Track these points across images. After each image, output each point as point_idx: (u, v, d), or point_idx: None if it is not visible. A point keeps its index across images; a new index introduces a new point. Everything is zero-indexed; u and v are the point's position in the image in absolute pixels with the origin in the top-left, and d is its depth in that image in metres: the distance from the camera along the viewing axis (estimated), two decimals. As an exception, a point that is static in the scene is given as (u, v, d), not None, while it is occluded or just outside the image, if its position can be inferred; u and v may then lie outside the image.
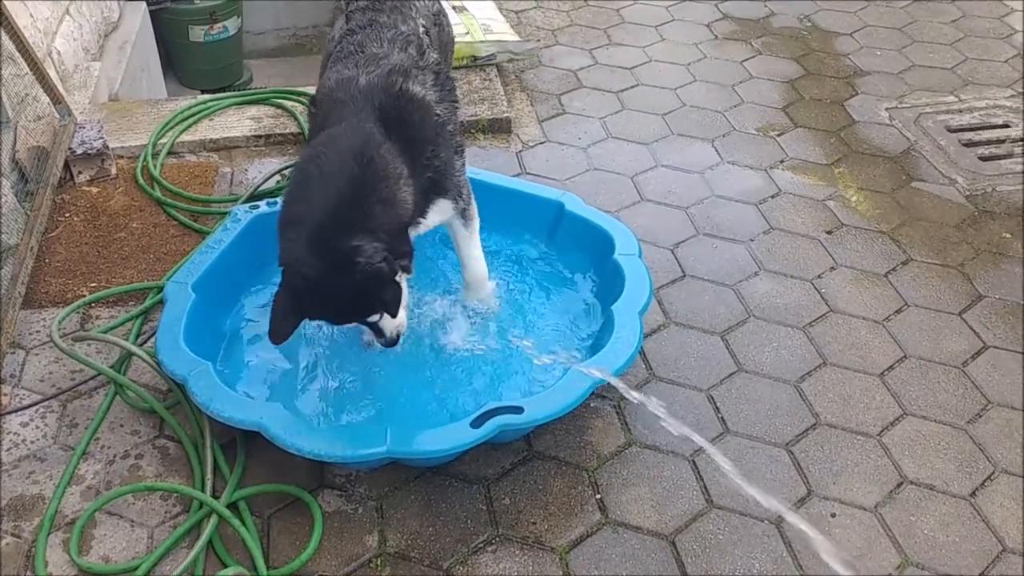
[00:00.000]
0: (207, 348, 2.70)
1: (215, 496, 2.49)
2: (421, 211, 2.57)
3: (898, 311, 3.28)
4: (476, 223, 2.85)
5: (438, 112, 2.62)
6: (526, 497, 2.58)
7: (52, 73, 3.86)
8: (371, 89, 2.49)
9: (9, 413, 2.74)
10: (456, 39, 3.72)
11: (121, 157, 3.87)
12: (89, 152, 3.69)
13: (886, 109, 4.48)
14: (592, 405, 2.82)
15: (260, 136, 4.02)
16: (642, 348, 2.93)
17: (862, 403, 2.92)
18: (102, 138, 3.73)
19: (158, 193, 3.65)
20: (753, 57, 4.92)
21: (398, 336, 2.55)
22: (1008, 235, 3.66)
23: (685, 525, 2.52)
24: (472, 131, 4.09)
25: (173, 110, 4.13)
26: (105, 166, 3.74)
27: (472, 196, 2.83)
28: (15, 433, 2.70)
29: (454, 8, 4.68)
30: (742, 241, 3.57)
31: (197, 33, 6.04)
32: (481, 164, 3.74)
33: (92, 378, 2.84)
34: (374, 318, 2.44)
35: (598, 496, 2.59)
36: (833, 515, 2.57)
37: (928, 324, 3.23)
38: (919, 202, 3.84)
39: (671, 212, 3.72)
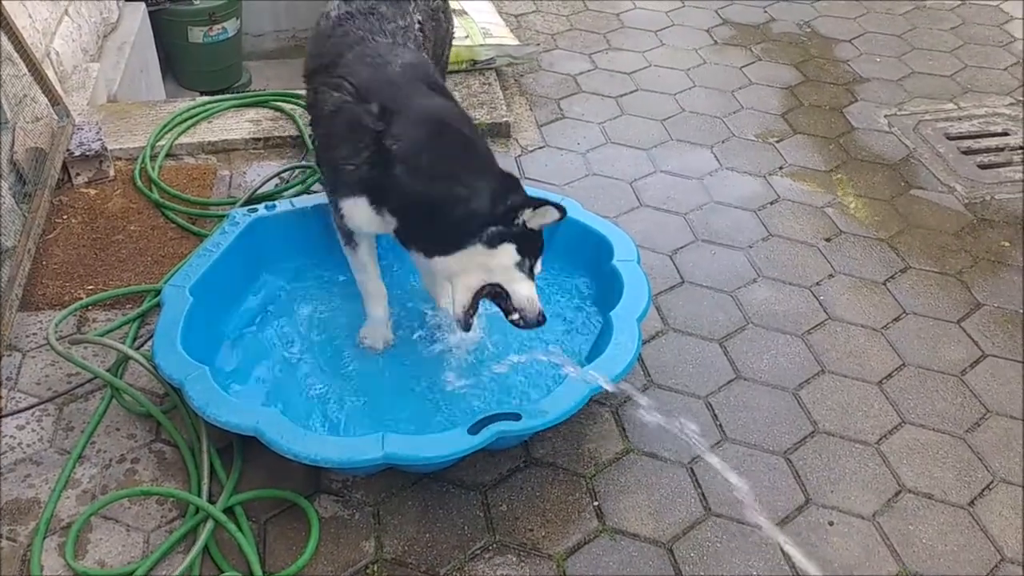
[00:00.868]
0: (204, 352, 2.68)
1: (211, 501, 2.48)
2: None
3: (896, 319, 3.28)
4: None
5: None
6: (523, 504, 2.57)
7: (51, 74, 3.85)
8: (414, 73, 2.62)
9: (5, 416, 2.73)
10: (455, 43, 3.72)
11: (119, 159, 3.86)
12: (87, 154, 3.68)
13: (885, 116, 4.48)
14: (590, 412, 2.81)
15: (259, 139, 4.01)
16: (640, 355, 2.92)
17: (860, 411, 2.91)
18: (100, 140, 3.72)
19: (156, 195, 3.64)
20: (753, 63, 4.92)
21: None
22: (1007, 243, 3.66)
23: (683, 532, 2.51)
24: (471, 135, 4.08)
25: (172, 112, 4.12)
26: (103, 168, 3.73)
27: None
28: (11, 436, 2.69)
29: (453, 12, 4.67)
30: (741, 248, 3.57)
31: (196, 34, 6.02)
32: (480, 168, 3.72)
33: (88, 381, 2.83)
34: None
35: (596, 503, 2.59)
36: (831, 523, 2.56)
37: (927, 332, 3.22)
38: (918, 210, 3.84)
39: (670, 218, 3.72)
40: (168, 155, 3.91)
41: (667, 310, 3.25)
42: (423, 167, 2.45)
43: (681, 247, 3.55)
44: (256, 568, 2.33)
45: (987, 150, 4.23)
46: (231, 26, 6.18)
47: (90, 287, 3.21)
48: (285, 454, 2.35)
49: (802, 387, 2.98)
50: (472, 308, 2.51)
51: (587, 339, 2.97)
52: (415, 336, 2.98)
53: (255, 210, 3.15)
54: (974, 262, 3.56)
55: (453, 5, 4.73)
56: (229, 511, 2.47)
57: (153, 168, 3.77)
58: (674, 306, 3.27)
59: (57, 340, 2.73)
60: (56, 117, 3.77)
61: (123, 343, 2.88)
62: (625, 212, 3.72)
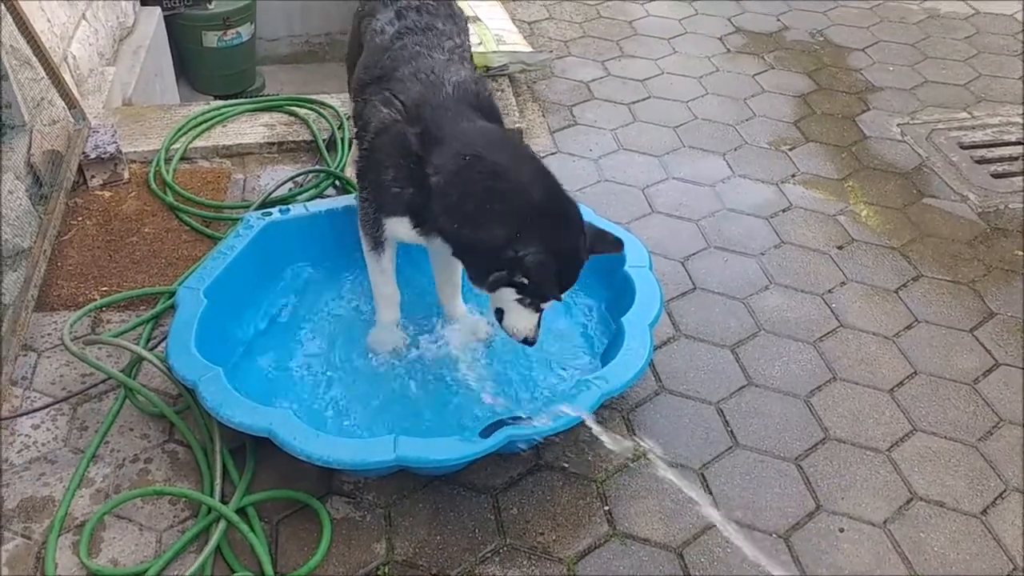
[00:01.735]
0: (218, 353, 2.70)
1: (224, 501, 2.49)
2: None
3: (908, 327, 3.27)
4: None
5: None
6: (534, 507, 2.57)
7: (67, 77, 3.88)
8: (464, 94, 2.62)
9: (20, 415, 2.75)
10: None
11: (134, 162, 3.89)
12: (103, 156, 3.70)
13: (898, 125, 4.48)
14: (601, 417, 2.81)
15: (273, 143, 4.04)
16: (652, 360, 2.92)
17: (872, 418, 2.91)
18: (115, 143, 3.75)
19: (170, 198, 3.67)
20: (765, 71, 4.93)
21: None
22: (1020, 252, 3.65)
23: (693, 538, 2.51)
24: (484, 141, 4.10)
25: (186, 116, 4.15)
26: (118, 171, 3.76)
27: None
28: (26, 435, 2.71)
29: (468, 19, 4.69)
30: (753, 255, 3.57)
31: (211, 39, 6.06)
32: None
33: (102, 382, 2.85)
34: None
35: (606, 507, 2.59)
36: (841, 530, 2.56)
37: (939, 340, 3.22)
38: (930, 218, 3.83)
39: (682, 224, 3.72)
40: (182, 158, 3.93)
41: (679, 316, 3.25)
42: (453, 205, 2.45)
43: (693, 254, 3.56)
44: (268, 568, 2.34)
45: (1001, 159, 4.22)
46: (245, 31, 6.22)
47: (104, 288, 3.24)
48: (298, 455, 2.36)
49: (813, 394, 2.98)
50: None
51: (599, 345, 2.97)
52: (423, 339, 2.98)
53: (269, 214, 3.17)
54: (987, 271, 3.55)
55: (467, 12, 4.76)
56: (241, 511, 2.49)
57: (167, 171, 3.80)
58: (686, 312, 3.27)
59: (72, 341, 2.75)
60: (72, 120, 3.80)
61: (137, 344, 2.90)
62: (637, 218, 3.73)
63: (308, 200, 3.54)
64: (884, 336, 3.23)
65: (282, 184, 3.73)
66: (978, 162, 4.19)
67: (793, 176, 4.07)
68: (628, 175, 4.02)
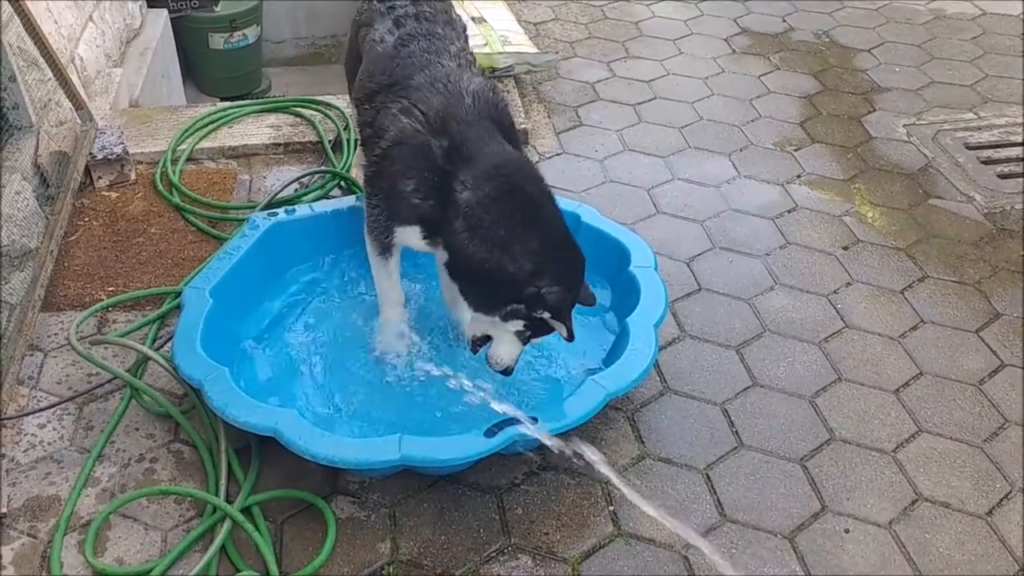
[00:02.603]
0: (223, 353, 2.70)
1: (229, 501, 2.50)
2: None
3: (914, 328, 3.27)
4: None
5: None
6: (539, 507, 2.57)
7: (75, 79, 3.90)
8: (485, 108, 2.62)
9: (27, 415, 2.76)
10: (475, 50, 3.73)
11: (141, 163, 3.90)
12: (109, 157, 3.72)
13: (904, 125, 4.47)
14: (606, 417, 2.81)
15: (279, 144, 4.05)
16: (657, 361, 2.92)
17: (877, 419, 2.90)
18: (122, 144, 3.76)
19: (177, 199, 3.68)
20: (771, 72, 4.93)
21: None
22: (1026, 253, 3.65)
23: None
24: (489, 142, 4.10)
25: (192, 117, 4.17)
26: (125, 171, 3.77)
27: None
28: (32, 435, 2.72)
29: (473, 20, 4.70)
30: (758, 255, 3.57)
31: (217, 41, 6.08)
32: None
33: (108, 381, 2.86)
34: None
35: (611, 507, 2.59)
36: (847, 531, 2.56)
37: (944, 341, 3.21)
38: (936, 219, 3.83)
39: (687, 225, 3.72)
40: (189, 159, 3.94)
41: (684, 317, 3.25)
42: (483, 228, 2.45)
43: (698, 254, 3.56)
44: (273, 568, 2.34)
45: (1007, 160, 4.21)
46: (251, 33, 6.23)
47: (111, 289, 3.25)
48: (303, 455, 2.37)
49: (819, 395, 2.98)
50: (478, 344, 2.67)
51: (604, 345, 2.97)
52: (428, 340, 2.98)
53: (275, 214, 3.18)
54: (993, 272, 3.54)
55: (473, 13, 4.77)
56: (246, 511, 2.49)
57: (174, 172, 3.81)
58: (691, 313, 3.27)
59: (78, 340, 2.76)
60: (79, 121, 3.82)
61: (143, 344, 2.91)
62: (642, 219, 3.73)
63: (314, 201, 3.55)
64: (890, 337, 3.22)
65: (288, 185, 3.74)
66: (984, 163, 4.18)
67: (798, 177, 4.07)
68: (633, 176, 4.02)
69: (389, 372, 2.89)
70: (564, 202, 3.34)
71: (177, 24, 5.74)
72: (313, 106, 4.26)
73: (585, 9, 5.56)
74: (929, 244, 3.68)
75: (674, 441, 2.78)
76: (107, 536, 2.45)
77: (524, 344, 2.60)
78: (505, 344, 2.58)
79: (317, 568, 2.38)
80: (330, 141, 4.03)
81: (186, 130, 4.05)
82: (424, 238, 2.62)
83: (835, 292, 3.41)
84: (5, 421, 2.70)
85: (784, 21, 5.50)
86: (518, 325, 2.52)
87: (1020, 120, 4.51)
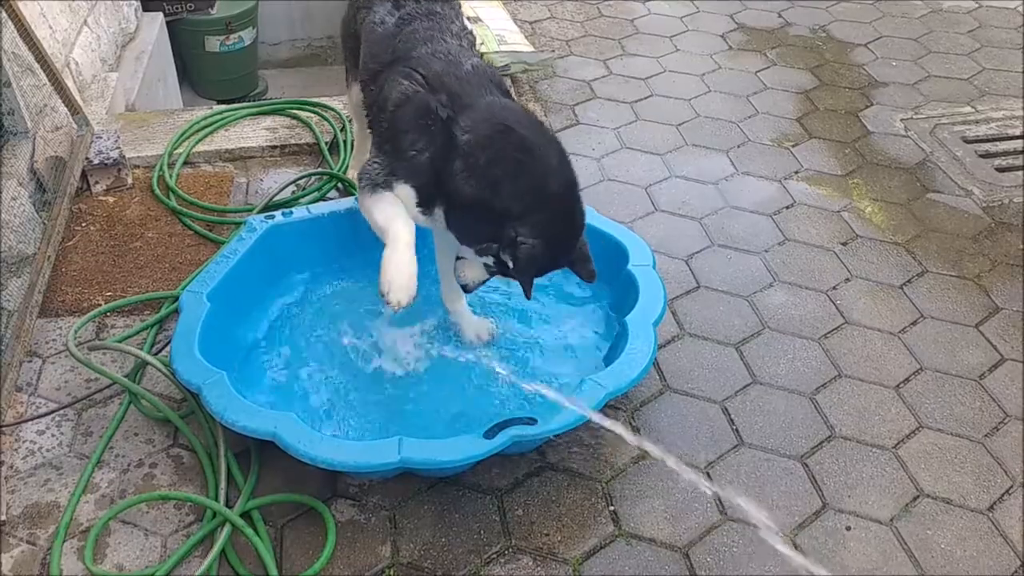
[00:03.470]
0: (222, 357, 2.70)
1: (228, 505, 2.49)
2: None
3: (914, 323, 3.26)
4: None
5: None
6: (539, 508, 2.57)
7: (70, 83, 3.89)
8: (484, 74, 2.64)
9: (26, 421, 2.75)
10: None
11: (137, 167, 3.89)
12: (106, 162, 3.71)
13: (901, 120, 4.47)
14: (606, 416, 2.80)
15: (275, 146, 4.04)
16: (656, 359, 2.92)
17: (878, 415, 2.90)
18: (119, 148, 3.75)
19: (174, 203, 3.67)
20: (768, 68, 4.92)
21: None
22: (1025, 247, 3.64)
23: (699, 537, 2.51)
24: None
25: (189, 120, 4.16)
26: (121, 176, 3.77)
27: None
28: (31, 441, 2.72)
29: (468, 19, 4.69)
30: (757, 252, 3.57)
31: (213, 44, 6.08)
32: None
33: (107, 387, 2.85)
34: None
35: (611, 508, 2.58)
36: (848, 528, 2.55)
37: (944, 336, 3.20)
38: (935, 213, 3.82)
39: (685, 223, 3.71)
40: (185, 163, 3.93)
41: (683, 315, 3.24)
42: (479, 166, 2.42)
43: (697, 252, 3.55)
44: (273, 572, 2.34)
45: (1005, 153, 4.21)
46: (247, 35, 6.23)
47: (108, 294, 3.24)
48: (302, 458, 2.36)
49: (819, 391, 2.97)
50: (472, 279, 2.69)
51: (602, 344, 2.97)
52: (430, 341, 2.98)
53: (272, 217, 3.17)
54: (992, 266, 3.54)
55: (468, 12, 4.76)
56: (246, 515, 2.48)
57: (171, 175, 3.80)
58: (690, 311, 3.27)
59: (76, 346, 2.76)
60: (75, 126, 3.81)
61: (141, 349, 2.91)
62: (640, 217, 3.72)
63: (311, 203, 3.54)
64: (889, 332, 3.21)
65: (285, 187, 3.73)
66: (982, 156, 4.18)
67: (796, 173, 4.06)
68: (631, 174, 4.01)
69: (393, 367, 2.88)
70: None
71: (173, 27, 5.73)
72: (309, 108, 4.25)
73: (581, 7, 5.55)
74: (928, 239, 3.67)
75: (674, 439, 2.77)
76: (107, 542, 2.44)
77: (489, 276, 2.62)
78: (475, 268, 2.60)
79: (317, 572, 2.37)
80: (327, 143, 4.02)
81: (182, 133, 4.04)
82: (419, 206, 2.55)
83: (834, 288, 3.40)
84: (4, 428, 2.70)
85: (780, 16, 5.49)
86: (488, 260, 2.52)
87: (1018, 113, 4.50)
